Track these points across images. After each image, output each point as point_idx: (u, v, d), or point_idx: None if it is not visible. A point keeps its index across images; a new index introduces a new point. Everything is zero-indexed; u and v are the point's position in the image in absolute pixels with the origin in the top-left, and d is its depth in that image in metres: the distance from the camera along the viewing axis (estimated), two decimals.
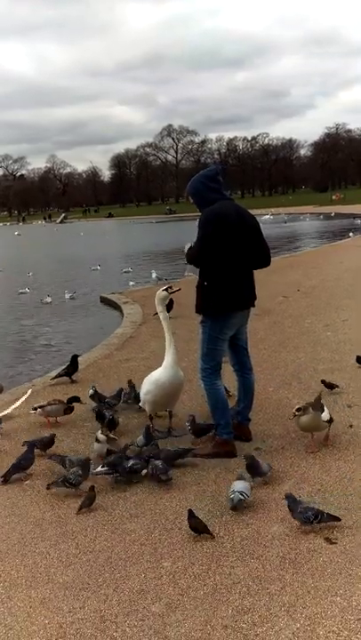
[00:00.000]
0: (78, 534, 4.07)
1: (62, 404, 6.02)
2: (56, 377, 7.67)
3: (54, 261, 33.69)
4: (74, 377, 7.63)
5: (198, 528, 3.86)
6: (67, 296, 17.94)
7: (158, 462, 4.73)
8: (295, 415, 4.98)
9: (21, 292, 19.99)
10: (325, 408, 5.10)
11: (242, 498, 4.16)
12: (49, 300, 17.44)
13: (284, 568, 3.53)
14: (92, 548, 3.90)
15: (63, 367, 7.82)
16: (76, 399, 6.14)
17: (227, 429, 5.15)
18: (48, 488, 4.65)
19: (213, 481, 4.70)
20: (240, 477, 4.37)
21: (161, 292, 5.63)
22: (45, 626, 3.19)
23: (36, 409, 6.05)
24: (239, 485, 4.23)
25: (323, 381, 6.54)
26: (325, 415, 5.05)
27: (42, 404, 6.12)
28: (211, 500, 4.39)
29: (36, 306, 17.43)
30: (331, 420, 5.12)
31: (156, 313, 11.54)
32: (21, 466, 4.92)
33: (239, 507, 4.17)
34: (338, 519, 3.90)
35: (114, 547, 3.88)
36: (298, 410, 4.96)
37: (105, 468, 4.62)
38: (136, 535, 4.00)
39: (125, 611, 3.26)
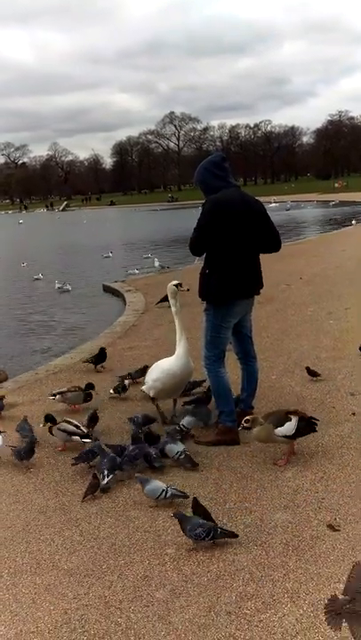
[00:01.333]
0: (82, 521, 4.09)
1: (82, 391, 6.06)
2: (85, 361, 7.69)
3: (64, 249, 33.63)
4: (99, 367, 7.58)
5: (202, 516, 3.87)
6: (57, 286, 17.81)
7: (152, 450, 4.78)
8: (243, 427, 4.74)
9: (36, 279, 19.96)
10: (290, 424, 4.64)
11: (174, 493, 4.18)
12: (69, 287, 17.47)
13: (287, 555, 3.55)
14: (97, 534, 3.92)
15: (95, 354, 7.69)
16: (91, 386, 6.17)
17: (230, 417, 5.16)
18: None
19: (216, 468, 4.71)
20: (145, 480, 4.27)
21: (171, 286, 5.60)
22: (50, 612, 3.21)
23: (55, 395, 6.09)
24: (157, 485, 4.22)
25: (307, 368, 6.59)
26: (284, 430, 4.63)
27: (62, 390, 6.15)
28: (214, 487, 4.41)
29: (43, 293, 17.51)
30: (295, 436, 4.70)
31: (159, 301, 11.57)
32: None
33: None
34: (235, 536, 3.67)
35: (118, 533, 3.90)
36: (246, 421, 4.69)
37: (111, 476, 4.57)
38: (140, 522, 4.02)
39: (130, 597, 3.28)
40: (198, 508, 3.87)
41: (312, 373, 6.52)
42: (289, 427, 4.64)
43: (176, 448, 4.78)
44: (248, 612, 3.09)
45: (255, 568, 3.45)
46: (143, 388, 5.87)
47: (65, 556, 3.72)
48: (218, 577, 3.40)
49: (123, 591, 3.34)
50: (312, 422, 4.81)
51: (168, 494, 4.13)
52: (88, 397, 6.07)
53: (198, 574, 3.44)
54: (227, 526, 3.79)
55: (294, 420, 4.67)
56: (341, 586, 3.20)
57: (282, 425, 4.63)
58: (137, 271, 19.34)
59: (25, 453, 4.92)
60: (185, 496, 4.19)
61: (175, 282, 5.64)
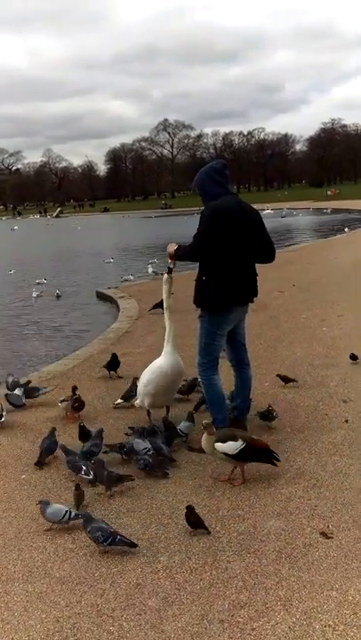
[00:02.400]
0: (75, 528, 4.07)
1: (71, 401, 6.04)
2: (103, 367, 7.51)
3: (60, 255, 33.45)
4: (115, 372, 7.46)
5: (196, 523, 3.87)
6: (34, 294, 17.73)
7: (148, 458, 4.76)
8: (203, 428, 4.55)
9: (38, 283, 19.87)
10: (234, 443, 4.43)
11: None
12: (59, 292, 17.49)
13: (280, 562, 3.54)
14: (89, 542, 3.89)
15: (107, 361, 7.56)
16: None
17: (223, 424, 5.15)
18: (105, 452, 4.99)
19: (210, 475, 4.70)
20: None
21: (164, 275, 5.59)
22: (42, 620, 3.19)
23: (62, 402, 6.10)
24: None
25: (278, 375, 6.64)
26: (224, 447, 4.44)
27: (64, 398, 6.17)
28: (207, 494, 4.40)
29: (39, 299, 17.50)
30: (237, 458, 4.48)
31: (152, 308, 11.54)
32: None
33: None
34: (134, 545, 3.69)
35: None
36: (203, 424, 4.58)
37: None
38: (132, 530, 4.00)
39: (122, 605, 3.27)
40: (192, 516, 3.87)
41: (285, 380, 6.56)
42: (231, 446, 4.43)
43: (143, 444, 4.81)
44: (241, 620, 3.08)
45: (248, 576, 3.44)
46: (136, 402, 5.78)
47: (57, 563, 3.70)
48: (211, 585, 3.39)
49: (115, 599, 3.32)
50: (271, 456, 4.58)
51: (72, 515, 4.03)
52: (79, 406, 6.03)
53: (191, 582, 3.42)
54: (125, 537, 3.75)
55: (240, 441, 4.45)
56: (334, 593, 3.21)
57: (224, 442, 4.45)
58: (131, 277, 19.29)
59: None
60: (86, 515, 4.08)
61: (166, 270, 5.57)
